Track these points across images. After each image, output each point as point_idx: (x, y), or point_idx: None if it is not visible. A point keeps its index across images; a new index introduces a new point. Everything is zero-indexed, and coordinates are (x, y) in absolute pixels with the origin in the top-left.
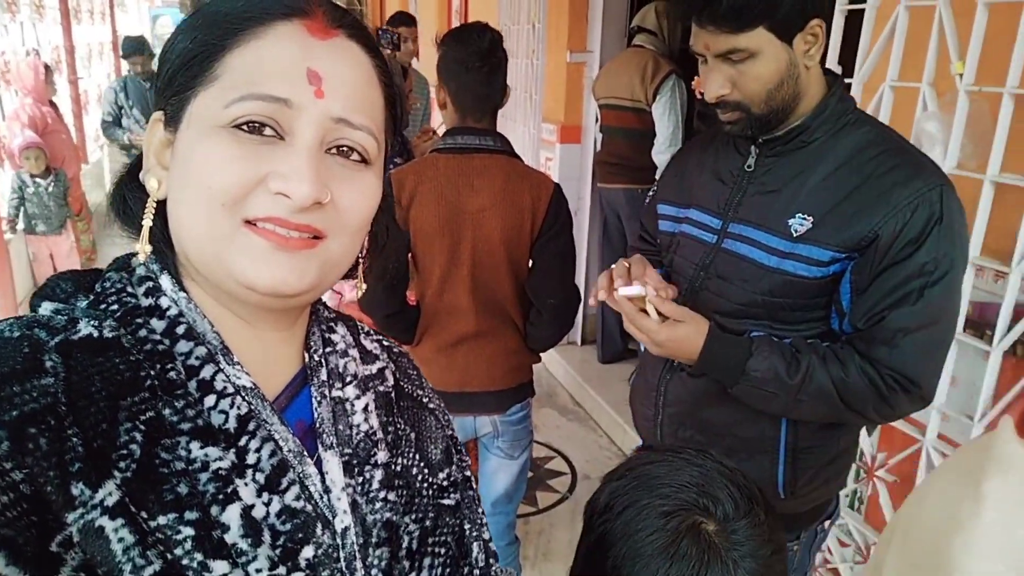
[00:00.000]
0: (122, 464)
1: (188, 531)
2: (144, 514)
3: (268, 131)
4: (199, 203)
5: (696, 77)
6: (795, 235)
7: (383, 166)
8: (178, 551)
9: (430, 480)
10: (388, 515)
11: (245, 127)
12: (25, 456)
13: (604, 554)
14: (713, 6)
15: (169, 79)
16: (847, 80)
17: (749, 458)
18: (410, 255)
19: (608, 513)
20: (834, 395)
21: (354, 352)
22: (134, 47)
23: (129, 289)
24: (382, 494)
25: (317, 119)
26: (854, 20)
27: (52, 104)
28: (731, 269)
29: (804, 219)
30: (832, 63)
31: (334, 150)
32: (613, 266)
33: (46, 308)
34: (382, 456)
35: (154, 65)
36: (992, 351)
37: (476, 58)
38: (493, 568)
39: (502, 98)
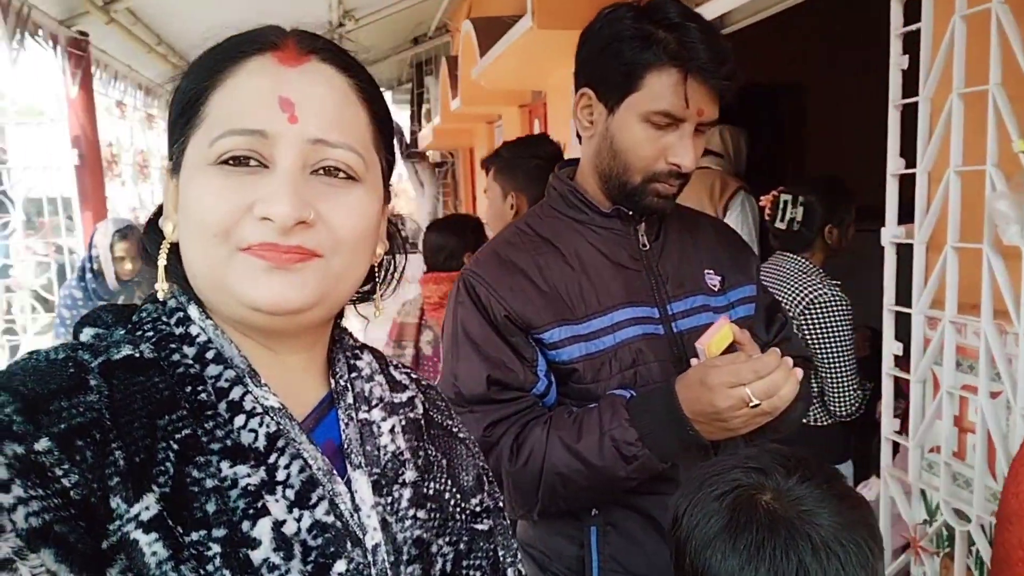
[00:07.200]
0: (161, 479)
1: (216, 548)
2: (180, 529)
3: (253, 162)
4: (196, 237)
5: (765, 196)
6: (716, 289)
7: (381, 182)
8: (209, 567)
9: (463, 505)
10: (418, 532)
11: (231, 161)
12: (73, 466)
13: (683, 558)
14: (728, 65)
15: (170, 131)
16: (912, 171)
17: None
18: None
19: (676, 523)
20: None
21: (380, 378)
22: None
23: (163, 319)
24: (411, 512)
25: (294, 143)
26: (908, 112)
27: None
28: None
29: (711, 274)
30: (893, 156)
31: (320, 171)
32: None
33: (87, 333)
34: (410, 475)
35: None
36: None
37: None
38: None
39: None
